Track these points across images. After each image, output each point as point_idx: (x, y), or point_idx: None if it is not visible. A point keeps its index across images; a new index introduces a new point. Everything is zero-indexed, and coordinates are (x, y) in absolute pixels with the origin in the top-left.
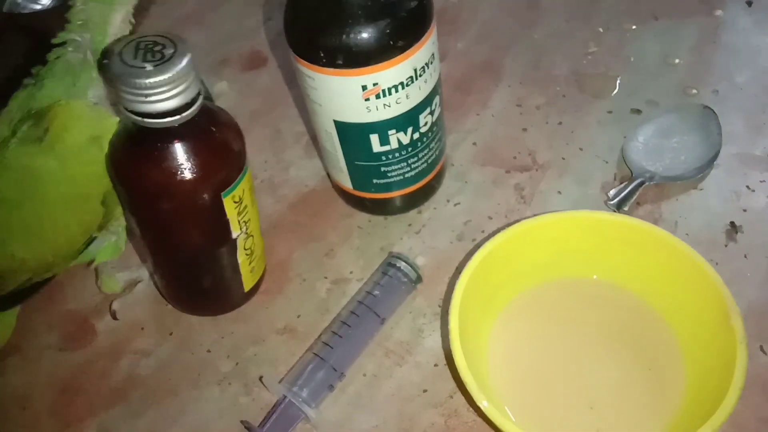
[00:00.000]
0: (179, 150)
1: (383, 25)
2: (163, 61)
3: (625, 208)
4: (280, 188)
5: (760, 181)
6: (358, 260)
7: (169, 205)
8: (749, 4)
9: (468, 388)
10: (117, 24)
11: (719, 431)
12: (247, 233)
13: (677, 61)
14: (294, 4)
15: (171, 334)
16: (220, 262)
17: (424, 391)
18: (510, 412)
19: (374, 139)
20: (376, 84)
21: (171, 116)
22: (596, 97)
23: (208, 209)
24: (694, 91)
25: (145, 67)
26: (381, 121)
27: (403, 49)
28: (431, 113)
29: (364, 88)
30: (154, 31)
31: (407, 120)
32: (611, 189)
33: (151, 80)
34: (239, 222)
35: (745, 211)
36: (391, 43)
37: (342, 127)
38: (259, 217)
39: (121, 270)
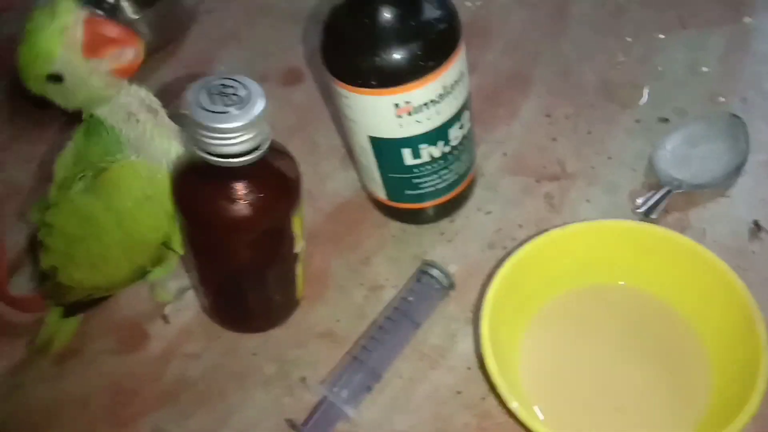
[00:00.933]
0: (256, 185)
1: (414, 47)
2: (243, 104)
3: (654, 216)
4: (317, 200)
5: None
6: (392, 268)
7: (244, 236)
8: None
9: (498, 390)
10: None
11: None
12: (303, 246)
13: (705, 69)
14: (330, 29)
15: (219, 338)
16: (284, 275)
17: (458, 393)
18: (540, 413)
19: (407, 153)
20: (408, 102)
21: (250, 155)
22: (624, 106)
23: (281, 232)
24: (722, 99)
25: (228, 112)
26: (413, 137)
27: (432, 69)
28: (461, 127)
29: (396, 106)
30: (217, 75)
31: (438, 135)
32: (639, 197)
33: (236, 124)
34: (300, 236)
35: None
36: (422, 63)
37: (376, 143)
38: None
39: (172, 279)
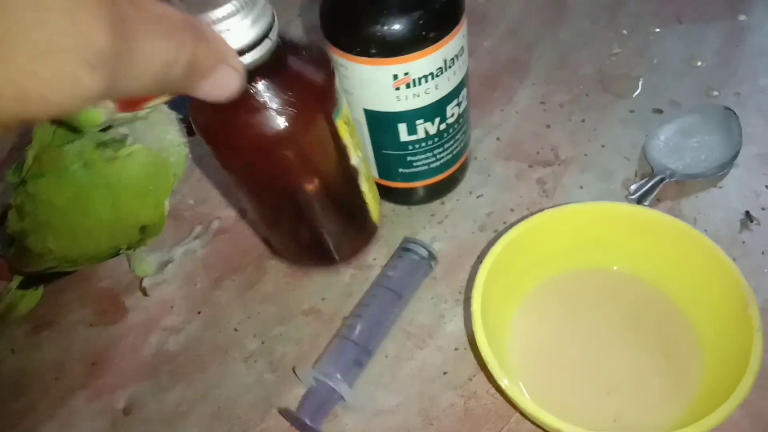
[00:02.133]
0: (277, 85)
1: (416, 16)
2: None
3: (646, 204)
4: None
5: None
6: (381, 248)
7: (280, 152)
8: None
9: (489, 368)
10: None
11: (735, 416)
12: (361, 157)
13: (700, 63)
14: None
15: (199, 312)
16: (347, 195)
17: (445, 373)
18: (528, 396)
19: (402, 128)
20: (407, 73)
21: (255, 48)
22: (619, 96)
23: (326, 140)
24: (716, 93)
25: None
26: (409, 111)
27: (434, 41)
28: (458, 105)
29: (395, 77)
30: None
31: (435, 111)
32: (632, 185)
33: (224, 9)
34: (354, 146)
35: (763, 209)
36: (423, 34)
37: (371, 116)
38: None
39: (152, 252)
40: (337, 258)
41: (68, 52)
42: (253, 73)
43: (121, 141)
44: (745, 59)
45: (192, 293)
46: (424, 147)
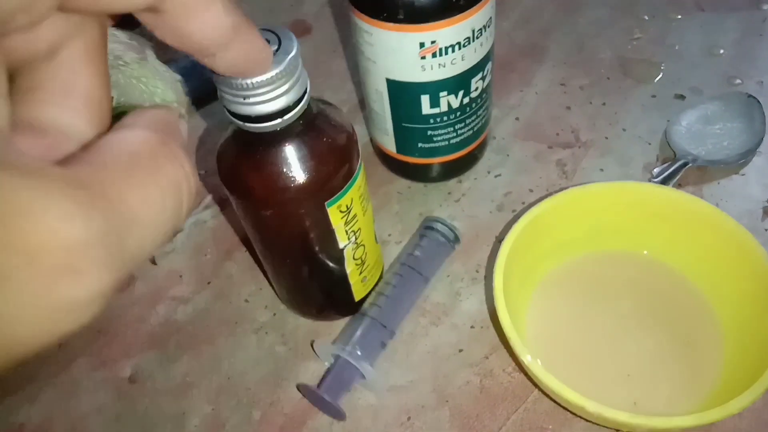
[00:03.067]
0: (279, 156)
1: None
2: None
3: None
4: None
5: None
6: (396, 224)
7: (272, 211)
8: None
9: (511, 343)
10: None
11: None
12: (356, 243)
13: (722, 51)
14: None
15: (209, 283)
16: (328, 272)
17: (460, 351)
18: None
19: (425, 100)
20: (434, 42)
21: (287, 114)
22: (640, 81)
23: (313, 219)
24: (738, 81)
25: None
26: (434, 82)
27: (463, 9)
28: (482, 79)
29: (421, 45)
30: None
31: (459, 83)
32: (654, 168)
33: (268, 75)
34: (347, 232)
35: None
36: (453, 1)
37: (394, 86)
38: (373, 224)
39: None
40: (318, 315)
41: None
42: (281, 135)
43: None
44: (767, 49)
45: (202, 264)
46: (446, 121)
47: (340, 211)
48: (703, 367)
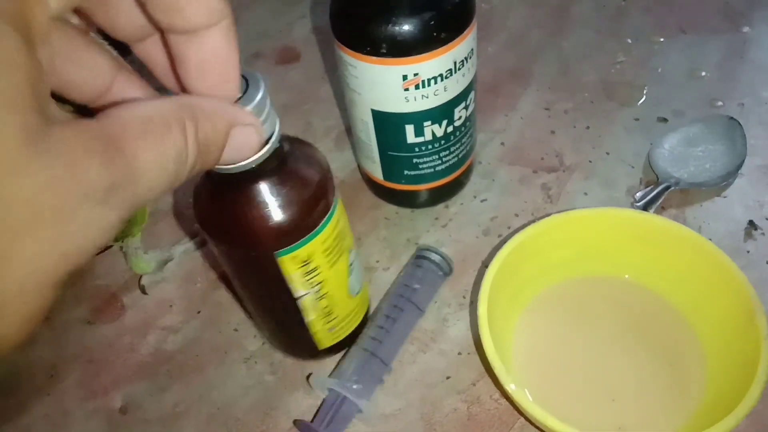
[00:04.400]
0: (275, 188)
1: (428, 17)
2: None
3: (651, 212)
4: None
5: None
6: (384, 250)
7: (243, 252)
8: None
9: (495, 372)
10: None
11: (740, 427)
12: (318, 294)
13: (704, 74)
14: None
15: (199, 312)
16: (288, 317)
17: (448, 377)
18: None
19: (409, 129)
20: (417, 74)
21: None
22: (623, 104)
23: (261, 266)
24: (720, 103)
25: None
26: (418, 112)
27: (445, 42)
28: (466, 108)
29: (404, 77)
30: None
31: (443, 113)
32: (637, 192)
33: None
34: (306, 282)
35: (767, 219)
36: (435, 34)
37: (379, 117)
38: (347, 278)
39: (151, 249)
40: (310, 356)
41: (75, 201)
42: (252, 175)
43: None
44: (749, 71)
45: (191, 292)
46: (430, 149)
47: (297, 262)
48: (686, 387)
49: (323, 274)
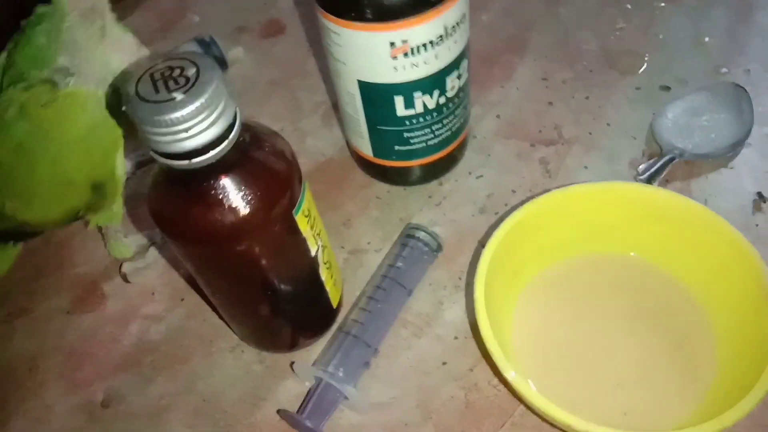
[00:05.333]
0: (236, 183)
1: None
2: (190, 85)
3: (655, 185)
4: (297, 158)
5: None
6: (376, 231)
7: (242, 243)
8: None
9: (494, 359)
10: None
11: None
12: (322, 246)
13: (708, 39)
14: None
15: (183, 300)
16: (306, 286)
17: (444, 363)
18: (534, 388)
19: (399, 101)
20: (405, 41)
21: (217, 146)
22: (624, 73)
23: (284, 234)
24: (725, 70)
25: (174, 98)
26: (407, 83)
27: (434, 4)
28: (459, 77)
29: (392, 45)
30: (163, 56)
31: (434, 82)
32: (640, 165)
33: (188, 110)
34: (314, 237)
35: None
36: None
37: (366, 88)
38: (323, 226)
39: (131, 234)
40: (293, 346)
41: None
42: (215, 169)
43: (55, 83)
44: (755, 36)
45: (174, 280)
46: (422, 123)
47: (305, 216)
48: (696, 372)
49: (318, 223)
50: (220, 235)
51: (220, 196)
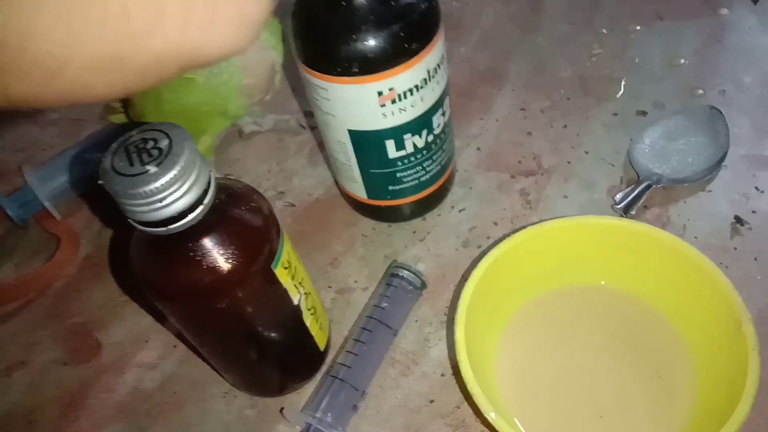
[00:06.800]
0: (214, 244)
1: (397, 29)
2: (164, 157)
3: (633, 212)
4: (284, 198)
5: None
6: (362, 269)
7: (224, 300)
8: (755, 2)
9: (475, 400)
10: None
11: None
12: (305, 293)
13: (683, 61)
14: (302, 16)
15: (175, 346)
16: (291, 334)
17: (431, 401)
18: (519, 422)
19: (390, 144)
20: (392, 89)
21: (192, 211)
22: (601, 99)
23: (265, 288)
24: (701, 91)
25: (148, 171)
26: (397, 127)
27: (416, 52)
28: (443, 114)
29: (380, 93)
30: (138, 128)
31: (422, 123)
32: (618, 193)
33: (161, 182)
34: (295, 286)
35: (754, 212)
36: (406, 46)
37: (357, 136)
38: (306, 271)
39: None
40: (282, 390)
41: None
42: (193, 231)
43: None
44: (729, 56)
45: (167, 326)
46: (413, 161)
47: (284, 268)
48: (676, 400)
49: (299, 272)
50: (202, 293)
51: (199, 257)
